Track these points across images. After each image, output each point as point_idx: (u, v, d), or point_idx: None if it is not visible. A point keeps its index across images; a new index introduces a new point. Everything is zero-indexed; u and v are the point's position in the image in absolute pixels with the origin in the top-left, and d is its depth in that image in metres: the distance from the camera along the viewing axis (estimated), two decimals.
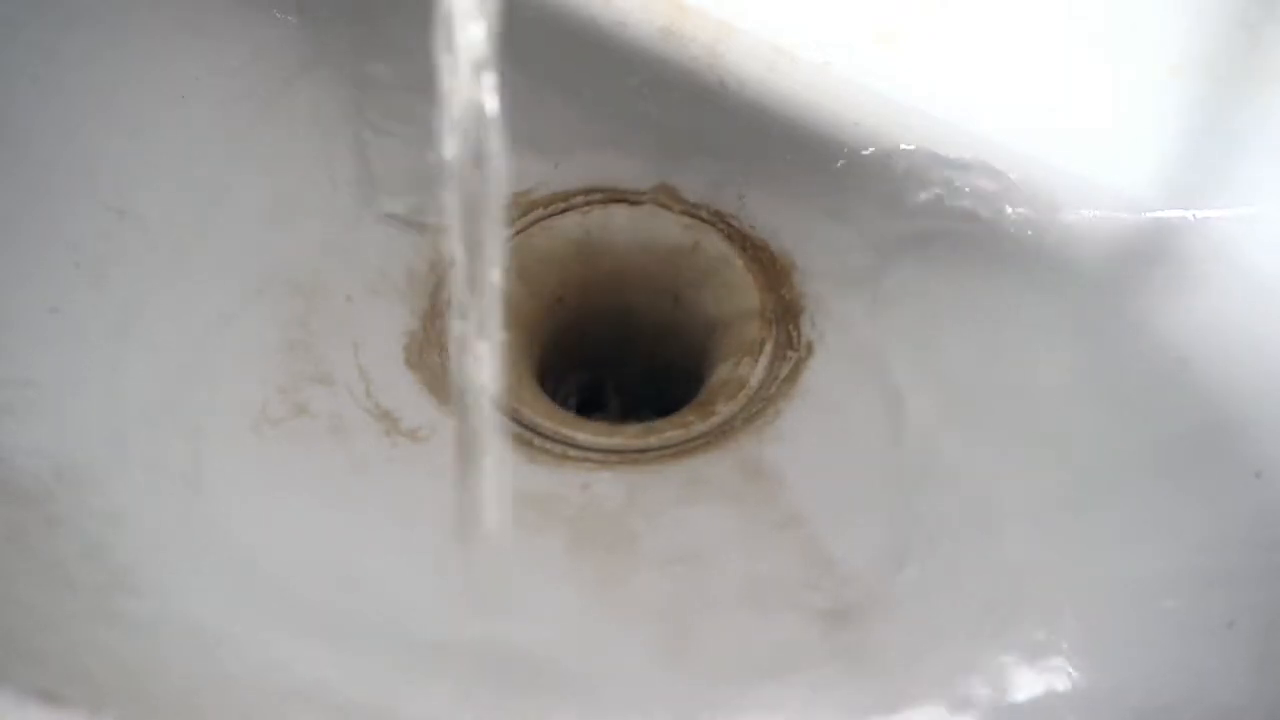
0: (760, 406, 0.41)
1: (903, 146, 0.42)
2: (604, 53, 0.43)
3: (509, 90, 0.24)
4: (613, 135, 0.45)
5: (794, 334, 0.43)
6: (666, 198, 0.45)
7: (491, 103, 0.24)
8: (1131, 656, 0.33)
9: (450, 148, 0.25)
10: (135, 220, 0.40)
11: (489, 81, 0.24)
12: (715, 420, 0.41)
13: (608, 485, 0.39)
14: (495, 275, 0.26)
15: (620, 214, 0.45)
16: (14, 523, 0.33)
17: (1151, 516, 0.36)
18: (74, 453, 0.35)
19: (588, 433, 0.41)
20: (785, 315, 0.43)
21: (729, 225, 0.45)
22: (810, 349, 0.42)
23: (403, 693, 0.33)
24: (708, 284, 0.44)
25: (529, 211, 0.45)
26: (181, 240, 0.41)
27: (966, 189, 0.42)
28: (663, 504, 0.39)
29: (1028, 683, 0.33)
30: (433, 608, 0.35)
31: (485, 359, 0.27)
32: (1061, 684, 0.33)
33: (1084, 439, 0.38)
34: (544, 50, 0.43)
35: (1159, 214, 0.41)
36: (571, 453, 0.40)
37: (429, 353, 0.41)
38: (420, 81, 0.44)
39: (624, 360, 0.48)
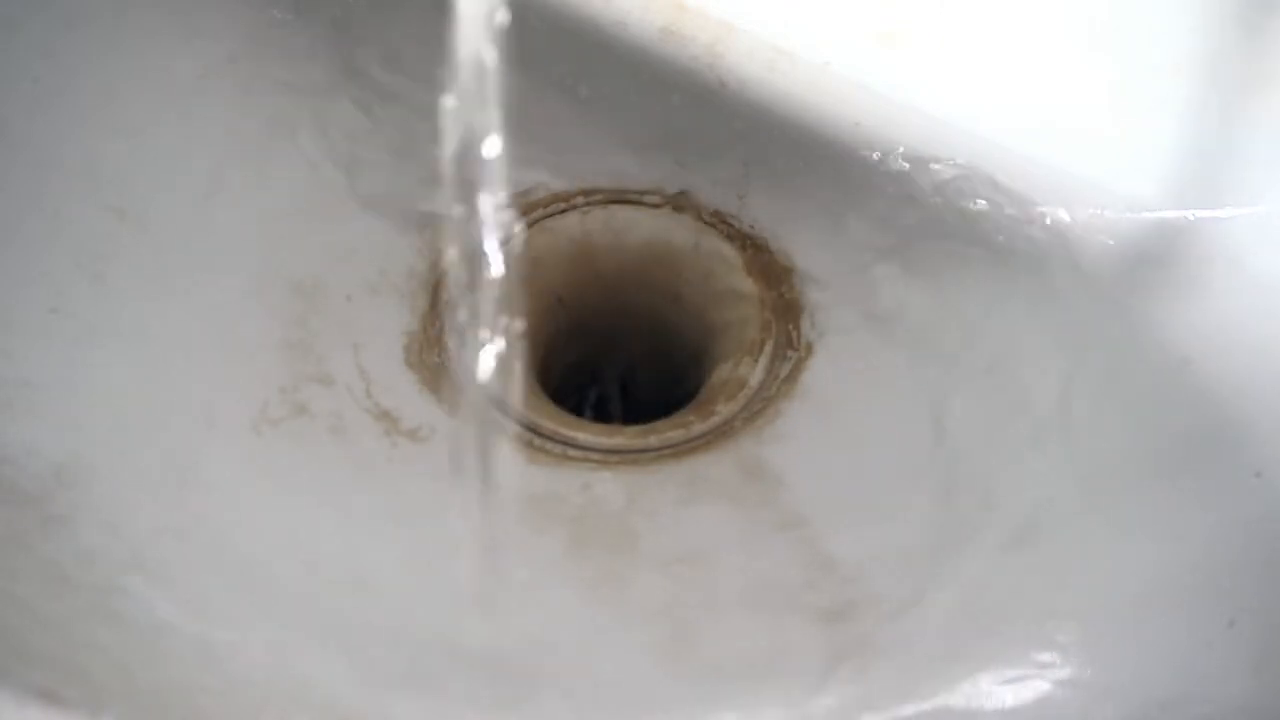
0: (760, 406, 0.41)
1: (903, 146, 0.42)
2: (604, 53, 0.43)
3: (509, 90, 0.24)
4: (613, 135, 0.45)
5: (794, 334, 0.43)
6: (666, 198, 0.45)
7: (492, 101, 0.24)
8: (1131, 656, 0.33)
9: (450, 147, 0.25)
10: (135, 220, 0.40)
11: (489, 80, 0.24)
12: (715, 420, 0.41)
13: (608, 485, 0.39)
14: (495, 276, 0.26)
15: (620, 214, 0.45)
16: (14, 523, 0.33)
17: (1152, 516, 0.36)
18: (74, 453, 0.35)
19: (588, 433, 0.41)
20: (785, 315, 0.43)
21: (729, 225, 0.45)
22: (810, 349, 0.42)
23: (402, 692, 0.33)
24: (708, 284, 0.44)
25: (529, 211, 0.45)
26: (181, 240, 0.41)
27: (966, 189, 0.42)
28: (663, 504, 0.39)
29: (1027, 682, 0.33)
30: (432, 607, 0.35)
31: (485, 359, 0.27)
32: (1061, 683, 0.33)
33: (1084, 439, 0.38)
34: (544, 50, 0.43)
35: (1159, 214, 0.41)
36: (571, 453, 0.40)
37: (429, 353, 0.41)
38: (421, 81, 0.45)
39: (624, 361, 0.48)
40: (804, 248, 0.44)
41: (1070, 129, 0.41)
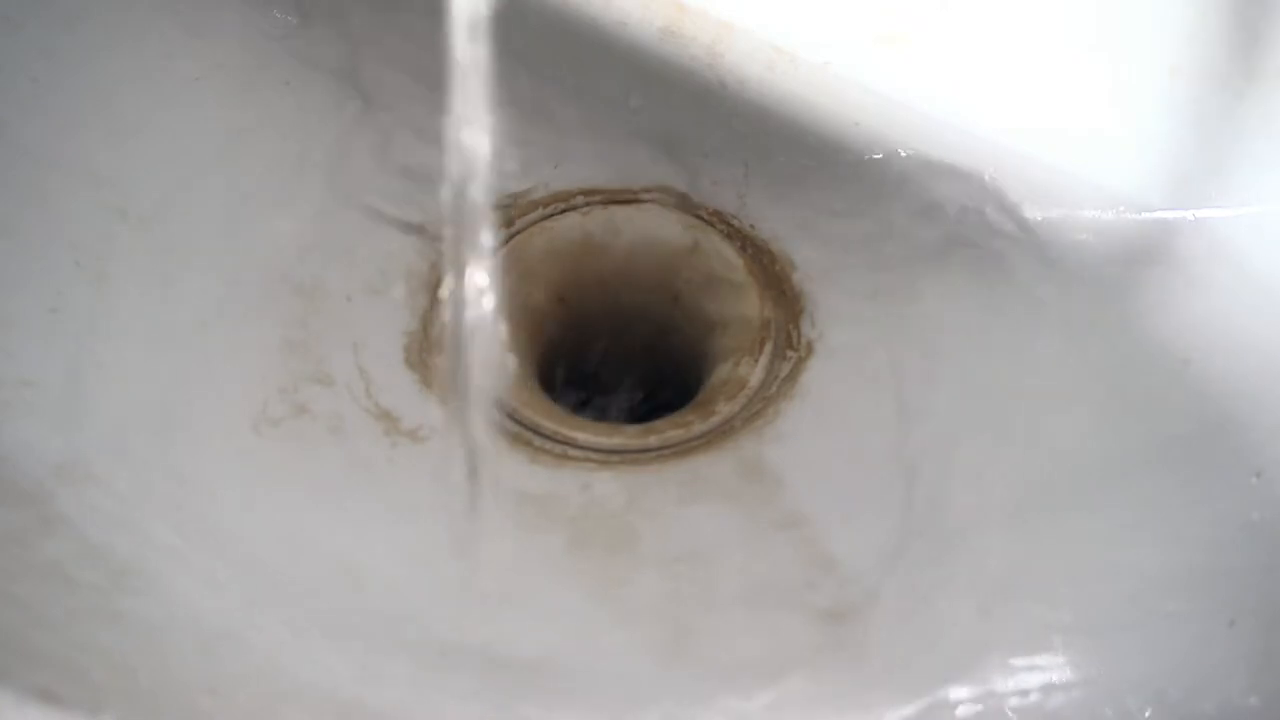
0: (760, 406, 0.41)
1: (902, 146, 0.42)
2: (604, 53, 0.43)
3: (509, 90, 0.24)
4: (613, 135, 0.45)
5: (794, 334, 0.43)
6: (666, 198, 0.45)
7: (492, 101, 0.24)
8: (1132, 655, 0.33)
9: (450, 148, 0.25)
10: (135, 220, 0.40)
11: (490, 80, 0.24)
12: (715, 420, 0.41)
13: (608, 485, 0.39)
14: (495, 276, 0.26)
15: (620, 214, 0.45)
16: (14, 523, 0.33)
17: (1152, 516, 0.36)
18: (74, 453, 0.35)
19: (588, 433, 0.41)
20: (785, 315, 0.43)
21: (729, 225, 0.45)
22: (810, 349, 0.42)
23: (402, 692, 0.33)
24: (708, 284, 0.44)
25: (529, 211, 0.45)
26: (182, 240, 0.41)
27: (966, 189, 0.42)
28: (663, 504, 0.39)
29: (1028, 682, 0.33)
30: (433, 608, 0.35)
31: (485, 359, 0.27)
32: (1061, 683, 0.33)
33: (1084, 438, 0.38)
34: (544, 50, 0.43)
35: (1159, 214, 0.41)
36: (571, 453, 0.40)
37: (429, 353, 0.41)
38: (421, 80, 0.45)
39: (624, 360, 0.48)
40: (804, 247, 0.44)
41: (1070, 129, 0.41)
